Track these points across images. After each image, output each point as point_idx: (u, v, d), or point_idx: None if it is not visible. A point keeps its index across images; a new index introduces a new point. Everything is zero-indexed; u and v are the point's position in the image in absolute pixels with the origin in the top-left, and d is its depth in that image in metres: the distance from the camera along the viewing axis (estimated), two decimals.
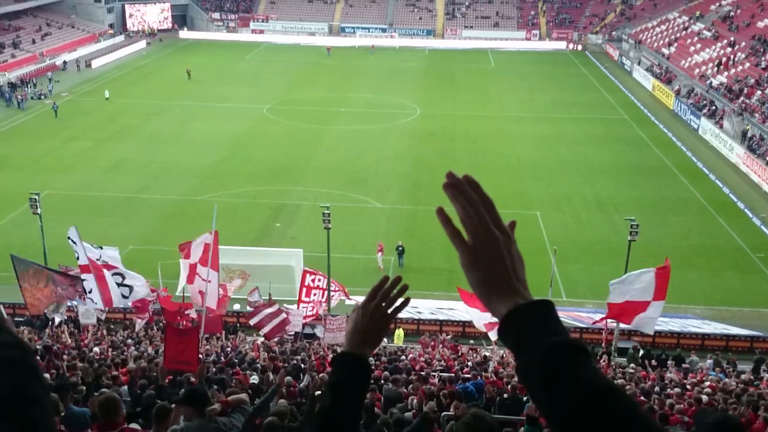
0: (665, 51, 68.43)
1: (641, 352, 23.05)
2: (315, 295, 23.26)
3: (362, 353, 1.96)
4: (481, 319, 21.47)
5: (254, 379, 13.14)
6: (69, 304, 23.21)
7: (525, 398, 13.30)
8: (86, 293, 19.64)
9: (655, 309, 18.81)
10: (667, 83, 60.82)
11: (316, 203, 31.63)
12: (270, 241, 32.13)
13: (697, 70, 59.39)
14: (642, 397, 13.81)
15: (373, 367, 17.38)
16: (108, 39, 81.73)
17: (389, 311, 2.02)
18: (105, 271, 19.72)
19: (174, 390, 11.29)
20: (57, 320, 22.73)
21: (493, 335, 23.85)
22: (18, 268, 20.22)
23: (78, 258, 19.39)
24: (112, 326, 25.03)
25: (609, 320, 21.01)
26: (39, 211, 26.96)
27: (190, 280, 20.54)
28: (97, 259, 19.77)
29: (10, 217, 34.06)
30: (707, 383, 17.41)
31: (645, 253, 27.10)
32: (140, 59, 75.55)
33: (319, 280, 23.51)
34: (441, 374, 16.95)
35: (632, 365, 20.50)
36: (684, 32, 70.28)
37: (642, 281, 18.84)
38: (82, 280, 19.55)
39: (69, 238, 19.46)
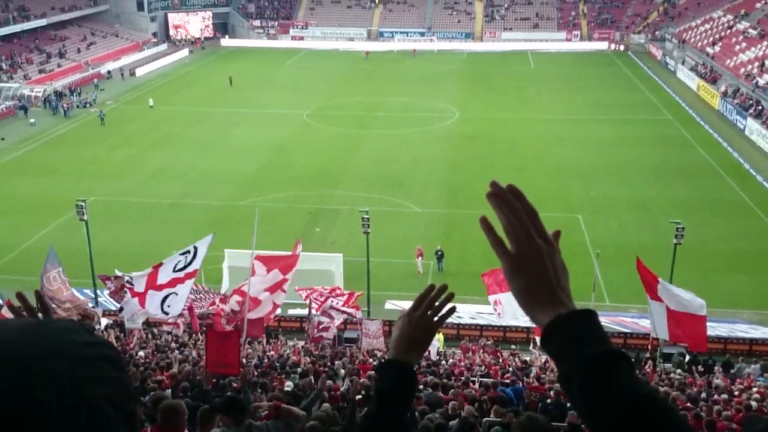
0: (710, 50, 67.11)
1: (687, 357, 22.60)
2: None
3: (408, 360, 1.98)
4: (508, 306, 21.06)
5: (288, 385, 13.15)
6: (115, 308, 23.65)
7: (568, 404, 13.14)
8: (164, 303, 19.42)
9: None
10: (712, 83, 59.63)
11: (355, 208, 31.72)
12: (310, 245, 32.26)
13: (743, 70, 58.11)
14: (688, 404, 13.52)
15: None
16: (151, 47, 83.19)
17: (435, 320, 2.05)
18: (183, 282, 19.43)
19: (218, 393, 11.41)
20: (103, 324, 23.17)
21: (539, 339, 23.62)
22: (50, 261, 20.69)
23: (187, 266, 18.96)
24: (156, 330, 25.40)
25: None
26: (85, 217, 27.47)
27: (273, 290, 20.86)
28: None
29: (57, 223, 34.83)
30: (755, 389, 16.98)
31: (690, 256, 26.61)
32: (183, 67, 76.75)
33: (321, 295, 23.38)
34: (481, 379, 16.83)
35: (678, 371, 20.11)
36: (729, 31, 68.83)
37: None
38: (171, 293, 19.07)
39: (195, 247, 19.10)
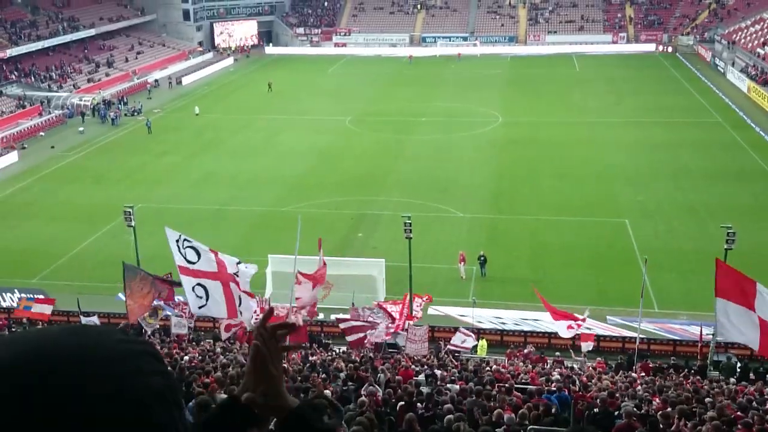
0: (760, 51, 65.40)
1: (739, 365, 21.95)
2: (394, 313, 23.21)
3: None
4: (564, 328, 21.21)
5: (327, 392, 13.11)
6: (165, 314, 23.99)
7: (616, 412, 12.85)
8: (205, 298, 19.09)
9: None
10: (763, 85, 58.06)
11: (398, 213, 31.63)
12: (352, 251, 32.33)
13: None
14: (739, 412, 13.09)
15: (455, 378, 17.16)
16: (197, 56, 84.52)
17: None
18: (233, 285, 19.33)
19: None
20: (149, 331, 23.49)
21: (586, 346, 23.27)
22: (127, 275, 20.97)
23: (196, 262, 19.16)
24: (201, 334, 25.68)
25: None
26: (133, 223, 27.92)
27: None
28: (235, 273, 19.35)
29: (106, 229, 35.51)
30: None
31: (742, 262, 25.80)
32: (228, 75, 77.79)
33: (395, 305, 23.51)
34: (526, 386, 16.57)
35: (732, 379, 19.53)
36: None
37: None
38: (198, 285, 19.11)
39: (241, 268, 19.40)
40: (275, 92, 66.23)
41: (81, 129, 55.05)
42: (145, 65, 76.60)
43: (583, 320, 22.33)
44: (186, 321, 23.08)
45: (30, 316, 25.00)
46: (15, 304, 26.78)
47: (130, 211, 27.87)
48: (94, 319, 23.52)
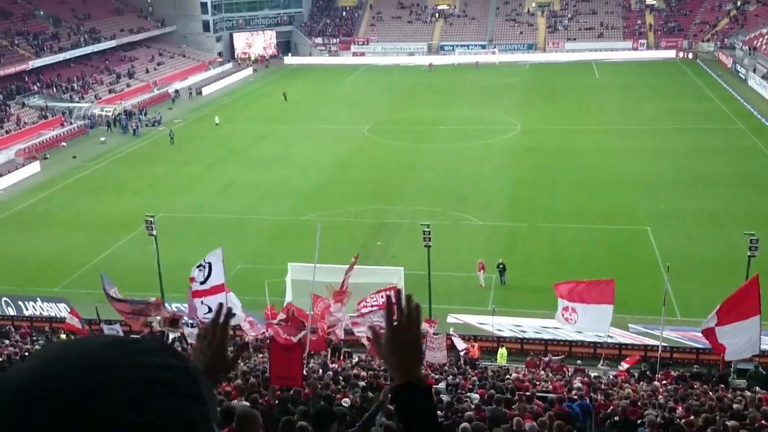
0: None
1: (763, 373, 21.63)
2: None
3: (414, 377, 2.08)
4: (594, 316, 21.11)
5: (345, 401, 13.04)
6: (184, 321, 24.14)
7: (638, 420, 12.73)
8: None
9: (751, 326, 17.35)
10: None
11: (416, 221, 31.62)
12: (371, 259, 32.32)
13: None
14: (763, 421, 12.91)
15: (475, 386, 17.07)
16: (217, 67, 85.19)
17: (409, 324, 2.07)
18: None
19: (286, 406, 11.41)
20: (171, 336, 23.63)
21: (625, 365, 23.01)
22: (106, 284, 21.49)
23: (207, 279, 20.09)
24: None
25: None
26: (154, 232, 28.12)
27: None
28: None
29: (127, 239, 35.81)
30: None
31: (764, 270, 25.49)
32: (247, 85, 78.31)
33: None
34: (547, 395, 16.46)
35: (757, 388, 19.25)
36: None
37: None
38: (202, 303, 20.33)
39: (208, 260, 20.30)
40: (294, 102, 66.56)
41: (102, 139, 55.63)
42: (165, 76, 77.31)
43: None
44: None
45: (66, 327, 25.48)
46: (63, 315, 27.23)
47: (151, 220, 28.05)
48: (117, 327, 23.67)
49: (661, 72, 73.70)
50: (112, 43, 77.53)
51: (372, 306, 22.22)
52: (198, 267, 20.14)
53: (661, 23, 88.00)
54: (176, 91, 72.80)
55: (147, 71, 77.11)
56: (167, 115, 63.40)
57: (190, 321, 23.74)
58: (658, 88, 65.98)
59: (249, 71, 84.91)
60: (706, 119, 54.40)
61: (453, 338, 24.14)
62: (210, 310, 19.68)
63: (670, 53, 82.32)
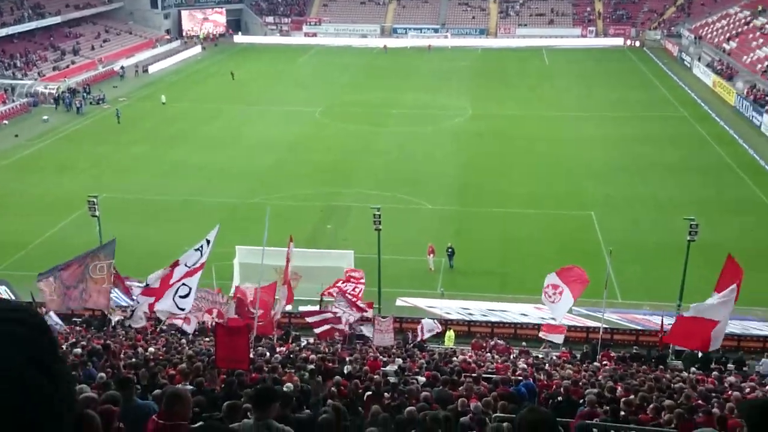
0: (726, 46, 66.50)
1: (700, 354, 22.35)
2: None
3: None
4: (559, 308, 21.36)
5: (288, 386, 13.03)
6: (125, 303, 23.71)
7: (580, 400, 13.03)
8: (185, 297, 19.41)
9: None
10: (728, 79, 59.06)
11: (367, 205, 31.63)
12: (321, 242, 32.29)
13: (759, 66, 57.54)
14: (700, 401, 13.37)
15: (423, 368, 17.26)
16: (165, 44, 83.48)
17: None
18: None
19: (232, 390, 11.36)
20: (114, 321, 23.23)
21: (557, 338, 23.45)
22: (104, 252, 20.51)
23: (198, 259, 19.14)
24: (164, 327, 25.43)
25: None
26: (97, 213, 27.55)
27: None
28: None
29: (70, 219, 34.99)
30: None
31: (705, 254, 26.31)
32: (195, 64, 76.98)
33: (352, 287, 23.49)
34: (492, 376, 16.73)
35: (693, 369, 19.91)
36: (745, 27, 68.17)
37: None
38: (183, 284, 19.18)
39: (207, 240, 19.21)
40: (244, 82, 65.72)
41: (45, 117, 54.09)
42: (111, 53, 75.46)
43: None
44: (143, 315, 22.77)
45: None
46: None
47: (94, 201, 27.47)
48: (51, 313, 23.07)
49: (609, 59, 74.91)
50: (57, 19, 75.22)
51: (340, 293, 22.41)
52: (196, 249, 19.29)
53: (610, 11, 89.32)
54: (122, 68, 71.11)
55: (93, 48, 75.09)
56: (112, 93, 61.96)
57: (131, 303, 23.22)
58: (606, 76, 67.10)
59: (197, 49, 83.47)
60: (651, 107, 55.56)
61: (424, 322, 24.14)
62: (190, 290, 18.97)
63: (618, 41, 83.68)
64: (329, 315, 22.21)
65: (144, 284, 19.40)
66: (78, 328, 23.51)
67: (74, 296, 19.09)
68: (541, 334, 24.08)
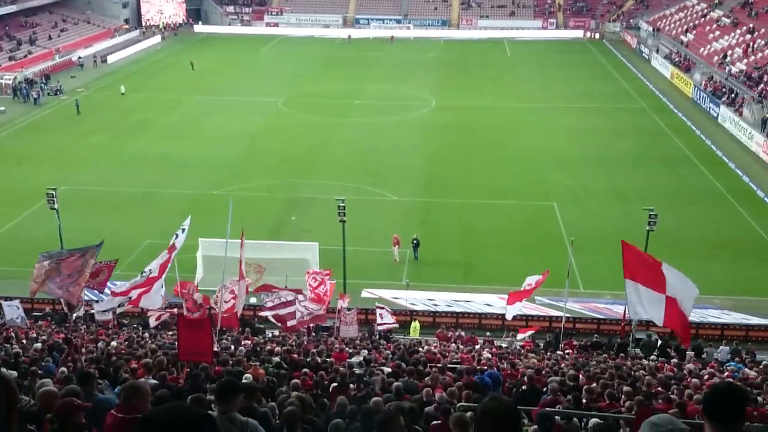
0: (684, 38, 67.64)
1: (659, 342, 22.83)
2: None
3: None
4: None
5: (247, 377, 12.96)
6: (87, 297, 23.37)
7: (544, 389, 13.20)
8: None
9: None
10: (685, 71, 60.11)
11: (331, 196, 31.56)
12: (285, 234, 32.14)
13: (716, 58, 58.66)
14: (659, 388, 13.65)
15: (388, 359, 17.31)
16: (123, 34, 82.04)
17: None
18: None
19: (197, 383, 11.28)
20: (74, 315, 22.85)
21: (511, 309, 23.78)
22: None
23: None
24: (126, 321, 25.16)
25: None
26: (56, 206, 27.05)
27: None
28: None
29: (29, 212, 34.30)
30: (726, 373, 17.19)
31: (664, 243, 26.83)
32: (155, 54, 75.83)
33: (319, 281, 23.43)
34: (457, 366, 16.86)
35: (652, 356, 20.31)
36: (702, 19, 69.42)
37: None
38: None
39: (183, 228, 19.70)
40: (205, 72, 64.95)
41: (2, 109, 52.81)
42: (69, 43, 73.90)
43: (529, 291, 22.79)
44: (110, 309, 22.56)
45: None
46: None
47: (53, 194, 26.95)
48: (16, 303, 22.68)
49: (570, 51, 75.67)
50: (13, 8, 73.26)
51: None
52: (176, 235, 19.86)
53: (570, 3, 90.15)
54: (80, 58, 69.73)
55: (50, 38, 73.44)
56: (71, 83, 60.76)
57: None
58: (567, 68, 67.76)
59: (157, 39, 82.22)
60: (611, 98, 56.30)
61: (379, 311, 24.12)
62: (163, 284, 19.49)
63: (578, 33, 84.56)
64: (285, 302, 21.94)
65: (139, 275, 19.77)
66: (40, 322, 23.10)
67: (63, 284, 19.10)
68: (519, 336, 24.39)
